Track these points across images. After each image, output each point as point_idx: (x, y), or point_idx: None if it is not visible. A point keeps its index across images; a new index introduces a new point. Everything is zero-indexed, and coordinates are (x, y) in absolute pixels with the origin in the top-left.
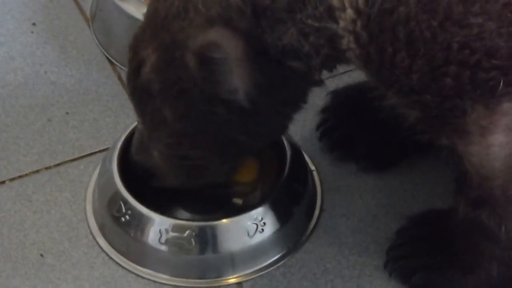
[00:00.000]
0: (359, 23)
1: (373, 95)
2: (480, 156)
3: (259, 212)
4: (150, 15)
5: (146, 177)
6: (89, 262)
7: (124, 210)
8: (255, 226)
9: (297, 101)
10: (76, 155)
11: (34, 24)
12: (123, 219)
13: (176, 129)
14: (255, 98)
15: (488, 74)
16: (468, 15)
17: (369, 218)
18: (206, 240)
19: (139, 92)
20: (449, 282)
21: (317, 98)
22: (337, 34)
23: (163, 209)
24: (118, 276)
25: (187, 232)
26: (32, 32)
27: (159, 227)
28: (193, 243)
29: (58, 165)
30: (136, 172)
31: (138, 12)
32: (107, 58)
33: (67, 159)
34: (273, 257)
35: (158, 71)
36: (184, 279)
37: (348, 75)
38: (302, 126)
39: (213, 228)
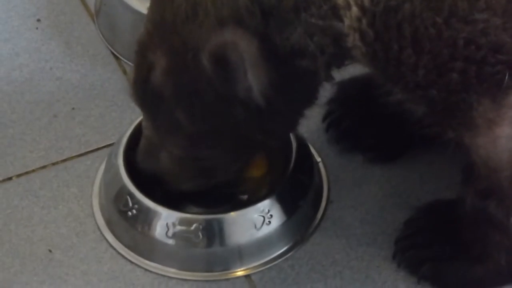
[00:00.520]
0: (364, 21)
1: (379, 91)
2: (488, 148)
3: (265, 204)
4: (156, 19)
5: (155, 183)
6: (97, 257)
7: (131, 205)
8: (262, 218)
9: (309, 98)
10: (82, 151)
11: (38, 20)
12: (130, 213)
13: (191, 132)
14: (270, 96)
15: (494, 69)
16: (473, 11)
17: (376, 209)
18: (213, 233)
19: (150, 97)
20: (457, 272)
21: (323, 90)
22: (342, 32)
23: (170, 203)
24: (126, 270)
25: (194, 225)
26: (37, 28)
27: (166, 221)
28: (200, 236)
29: (64, 160)
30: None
31: (143, 6)
32: (112, 53)
33: (73, 154)
34: (281, 249)
35: (169, 74)
36: (191, 273)
37: (354, 66)
38: (308, 118)
39: (220, 221)
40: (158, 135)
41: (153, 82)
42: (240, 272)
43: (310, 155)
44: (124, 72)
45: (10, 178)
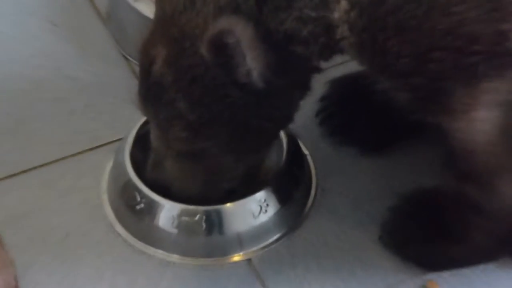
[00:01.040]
0: (352, 14)
1: (367, 81)
2: (464, 131)
3: (262, 195)
4: (157, 17)
5: (166, 189)
6: (108, 243)
7: (138, 199)
8: (259, 207)
9: (303, 86)
10: (95, 145)
11: (54, 24)
12: (137, 207)
13: (191, 120)
14: (268, 78)
15: (469, 58)
16: (450, 4)
17: (364, 196)
18: (214, 223)
19: (152, 90)
20: (439, 252)
21: (315, 88)
22: (332, 24)
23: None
24: (134, 257)
25: (197, 216)
26: (52, 32)
27: (171, 213)
28: (203, 226)
29: (79, 153)
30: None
31: (149, 11)
32: (122, 54)
33: (86, 148)
34: (277, 234)
35: (169, 63)
36: (194, 258)
37: (344, 66)
38: (302, 114)
39: (220, 212)
40: (160, 132)
41: (154, 74)
42: (240, 257)
43: (300, 149)
44: (133, 72)
45: (29, 170)
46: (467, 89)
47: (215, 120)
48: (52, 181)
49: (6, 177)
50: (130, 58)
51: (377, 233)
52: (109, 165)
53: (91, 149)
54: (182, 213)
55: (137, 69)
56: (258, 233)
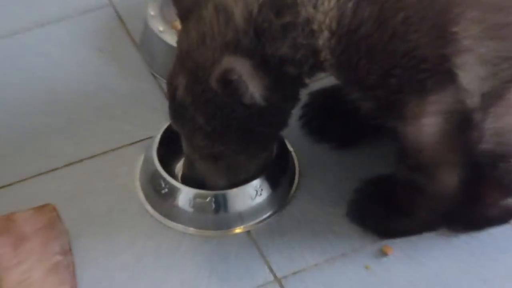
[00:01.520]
0: (332, 41)
1: (340, 93)
2: (414, 134)
3: (257, 182)
4: (178, 54)
5: (198, 186)
6: (139, 219)
7: (163, 185)
8: (255, 192)
9: (294, 98)
10: (130, 142)
11: (100, 50)
12: (162, 191)
13: (208, 131)
14: (267, 96)
15: (420, 75)
16: (407, 33)
17: (336, 181)
18: (221, 203)
19: (178, 110)
20: (392, 224)
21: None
22: (318, 49)
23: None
24: (159, 229)
25: (208, 198)
26: (99, 56)
27: (188, 196)
28: (213, 206)
29: (118, 148)
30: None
31: (172, 40)
32: (151, 73)
33: (124, 144)
34: (269, 212)
35: (188, 89)
36: (205, 231)
37: (321, 82)
38: (290, 124)
39: (226, 195)
40: (187, 141)
41: (178, 98)
42: (241, 229)
43: (286, 147)
44: (159, 86)
45: (80, 160)
46: (418, 101)
47: (226, 130)
48: (98, 169)
49: (63, 166)
50: (158, 76)
51: (345, 210)
52: (141, 159)
53: (127, 145)
54: (196, 196)
55: (163, 84)
56: (255, 211)
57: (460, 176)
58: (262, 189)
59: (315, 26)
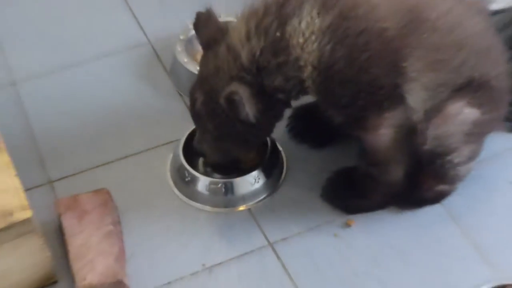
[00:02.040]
0: (314, 73)
1: (318, 109)
2: (373, 140)
3: (256, 173)
4: (199, 76)
5: (200, 155)
6: (170, 201)
7: (187, 175)
8: (254, 180)
9: (279, 117)
10: (162, 143)
11: (141, 76)
12: (186, 179)
13: (215, 135)
14: (258, 117)
15: (379, 98)
16: (369, 67)
17: (315, 173)
18: (229, 188)
19: (196, 116)
20: (355, 203)
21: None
22: (303, 79)
23: (207, 173)
24: (184, 207)
25: (219, 184)
26: (137, 81)
27: (205, 183)
28: (223, 190)
29: (153, 148)
30: (196, 152)
31: (194, 69)
32: (179, 93)
33: (157, 145)
34: (264, 195)
35: (203, 104)
36: (218, 208)
37: (302, 100)
38: (279, 126)
39: (233, 182)
40: (201, 136)
41: (196, 108)
42: (244, 207)
43: (277, 146)
44: (185, 103)
45: (125, 157)
46: (376, 116)
47: (227, 135)
48: (139, 163)
49: (114, 161)
50: (183, 95)
51: (320, 193)
52: (170, 155)
53: (160, 145)
54: (211, 183)
55: (187, 101)
56: (254, 194)
57: (404, 169)
58: (259, 178)
59: (302, 63)
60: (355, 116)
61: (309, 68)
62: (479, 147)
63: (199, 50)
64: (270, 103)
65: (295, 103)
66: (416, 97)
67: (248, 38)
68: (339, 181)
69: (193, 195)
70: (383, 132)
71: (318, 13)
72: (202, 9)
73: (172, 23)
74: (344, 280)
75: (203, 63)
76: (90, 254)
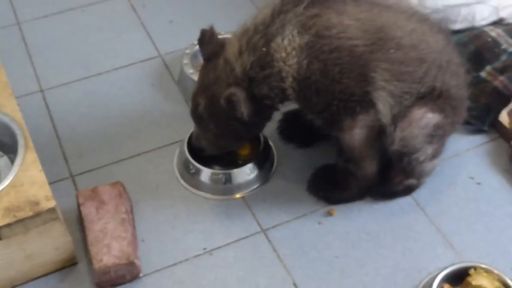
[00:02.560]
0: (294, 83)
1: (301, 113)
2: (349, 140)
3: (250, 165)
4: (200, 83)
5: (199, 150)
6: (176, 190)
7: (191, 167)
8: (249, 171)
9: (268, 118)
10: (170, 142)
11: (152, 84)
12: (191, 171)
13: (216, 133)
14: (251, 117)
15: (352, 104)
16: (342, 78)
17: (303, 169)
18: (228, 178)
19: (198, 118)
20: (335, 195)
21: (277, 115)
22: (285, 88)
23: (209, 166)
24: (189, 195)
25: (220, 175)
26: (150, 88)
27: (207, 174)
28: (223, 180)
29: (163, 146)
30: (195, 147)
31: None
32: (185, 100)
33: (166, 144)
34: (257, 184)
35: (205, 108)
36: (218, 196)
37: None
38: (270, 128)
39: (231, 173)
40: (202, 134)
41: (199, 111)
42: (240, 195)
43: (268, 143)
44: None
45: (140, 154)
46: (351, 119)
47: (226, 132)
48: (150, 159)
49: (128, 158)
50: (188, 102)
51: (306, 186)
52: (177, 151)
53: (168, 144)
54: (212, 174)
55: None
56: (248, 184)
57: (377, 165)
58: (253, 170)
59: (284, 74)
60: (330, 119)
61: (290, 79)
62: (441, 146)
63: (202, 62)
64: (260, 107)
65: (285, 109)
66: (384, 103)
67: (240, 53)
68: (322, 175)
69: (197, 185)
70: (357, 132)
71: (298, 32)
72: (205, 27)
73: (180, 40)
74: (326, 262)
75: (203, 73)
76: (106, 239)
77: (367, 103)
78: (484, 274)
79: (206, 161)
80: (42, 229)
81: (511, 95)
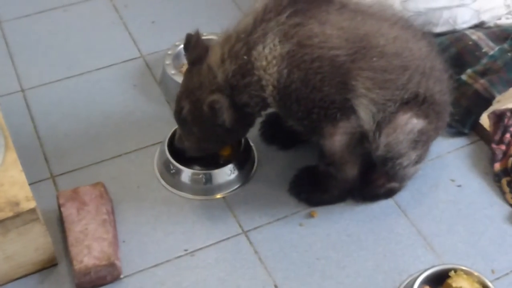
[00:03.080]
0: (274, 92)
1: (283, 120)
2: (329, 145)
3: (231, 165)
4: (185, 87)
5: (181, 152)
6: (157, 190)
7: (172, 167)
8: (230, 171)
9: (250, 125)
10: (153, 143)
11: (134, 85)
12: (171, 171)
13: (199, 136)
14: (233, 124)
15: (332, 111)
16: (322, 87)
17: (284, 171)
18: (208, 178)
19: (182, 121)
20: (316, 196)
21: (257, 120)
22: (265, 97)
23: (189, 166)
24: (170, 196)
25: (200, 175)
26: (133, 89)
27: (187, 174)
28: (203, 180)
29: (144, 147)
30: (177, 149)
31: (180, 79)
32: (167, 101)
33: (148, 144)
34: (237, 185)
35: (189, 112)
36: (198, 196)
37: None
38: (254, 131)
39: (211, 173)
40: (185, 137)
41: (183, 115)
42: (220, 195)
43: (249, 144)
44: (171, 109)
45: (122, 154)
46: (332, 125)
47: (208, 137)
48: (131, 160)
49: (109, 158)
50: (170, 102)
51: (287, 187)
52: (158, 151)
53: (150, 145)
54: (193, 174)
55: (172, 106)
56: (229, 184)
57: (358, 168)
58: (234, 170)
59: (264, 83)
60: (311, 126)
61: (270, 88)
62: (425, 152)
63: (184, 63)
64: (242, 114)
65: (266, 111)
66: (365, 110)
67: (222, 61)
68: (304, 177)
69: (177, 185)
70: (338, 139)
71: (280, 41)
72: (188, 29)
73: (162, 40)
74: (307, 263)
75: (188, 77)
76: (87, 240)
77: (348, 110)
78: (464, 276)
79: (187, 161)
80: (22, 230)
81: (492, 98)
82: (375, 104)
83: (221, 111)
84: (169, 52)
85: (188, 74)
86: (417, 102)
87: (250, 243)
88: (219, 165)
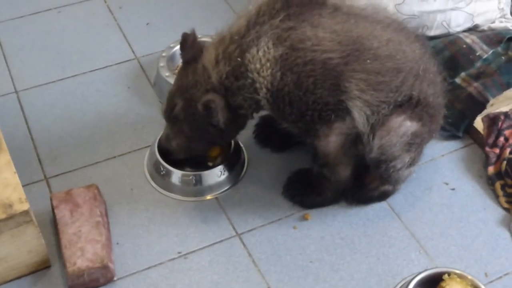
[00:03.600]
0: (268, 94)
1: (277, 122)
2: (324, 146)
3: (221, 167)
4: (178, 85)
5: (168, 153)
6: (148, 192)
7: (162, 169)
8: (220, 172)
9: (242, 126)
10: (146, 145)
11: (128, 86)
12: (162, 173)
13: (189, 136)
14: (226, 124)
15: (326, 113)
16: (315, 89)
17: (278, 173)
18: (199, 180)
19: (173, 118)
20: (310, 200)
21: (250, 122)
22: (259, 99)
23: (179, 167)
24: (160, 197)
25: (190, 176)
26: (127, 91)
27: (178, 175)
28: (193, 181)
29: (139, 149)
30: (163, 150)
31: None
32: (160, 101)
33: (142, 146)
34: (228, 186)
35: (182, 109)
36: (188, 197)
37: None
38: (246, 133)
39: (202, 174)
40: (173, 135)
41: (175, 112)
42: (211, 196)
43: (239, 146)
44: None
45: (114, 157)
46: (326, 127)
47: (200, 136)
48: (124, 162)
49: (103, 160)
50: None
51: (281, 190)
52: (147, 153)
53: (144, 148)
54: (183, 176)
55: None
56: (220, 185)
57: (351, 170)
58: (224, 171)
59: (257, 85)
60: (305, 128)
61: (264, 90)
62: (418, 155)
63: (178, 65)
64: (235, 116)
65: (260, 113)
66: (359, 111)
67: (217, 61)
68: (297, 180)
69: (167, 186)
70: (333, 139)
71: (273, 44)
72: (182, 31)
73: (156, 42)
74: (301, 266)
75: (182, 75)
76: (80, 242)
77: (342, 111)
78: (458, 279)
79: (176, 163)
80: (15, 232)
81: (486, 101)
82: (369, 106)
83: (216, 111)
84: (163, 54)
85: (182, 72)
86: (410, 105)
87: (244, 245)
88: (208, 166)
